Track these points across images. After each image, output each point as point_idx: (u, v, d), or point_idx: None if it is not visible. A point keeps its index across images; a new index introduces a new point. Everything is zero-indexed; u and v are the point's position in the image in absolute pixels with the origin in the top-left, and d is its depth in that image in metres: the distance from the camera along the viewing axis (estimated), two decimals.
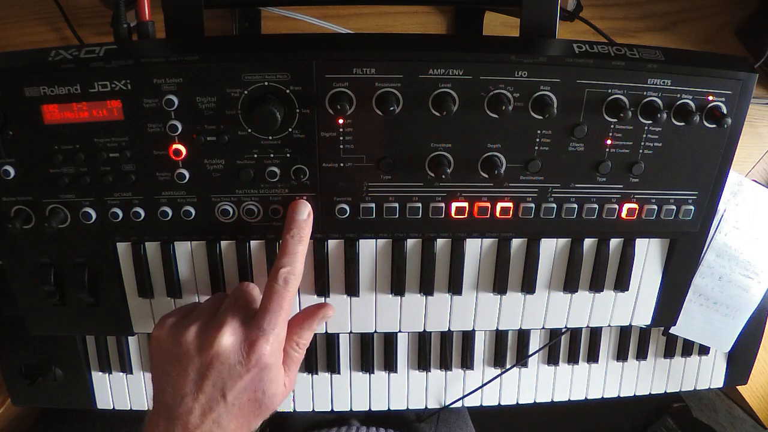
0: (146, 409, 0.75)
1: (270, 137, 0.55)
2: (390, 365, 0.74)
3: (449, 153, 0.57)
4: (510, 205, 0.60)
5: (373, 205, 0.59)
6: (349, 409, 0.76)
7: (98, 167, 0.55)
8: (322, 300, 0.65)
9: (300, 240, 0.54)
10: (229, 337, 0.50)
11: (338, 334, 0.72)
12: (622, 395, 0.82)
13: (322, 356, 0.74)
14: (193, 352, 0.50)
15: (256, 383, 0.51)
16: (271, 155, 0.56)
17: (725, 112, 0.56)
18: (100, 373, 0.73)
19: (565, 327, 0.70)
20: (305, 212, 0.56)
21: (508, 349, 0.76)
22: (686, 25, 0.78)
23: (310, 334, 0.57)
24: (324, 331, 0.67)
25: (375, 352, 0.74)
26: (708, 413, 1.19)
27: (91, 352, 0.73)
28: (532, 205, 0.60)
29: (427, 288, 0.65)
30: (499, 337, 0.76)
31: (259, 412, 0.52)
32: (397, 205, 0.59)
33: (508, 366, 0.76)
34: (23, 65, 0.52)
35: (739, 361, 0.83)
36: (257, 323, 0.51)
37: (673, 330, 0.78)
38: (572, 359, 0.78)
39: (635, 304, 0.68)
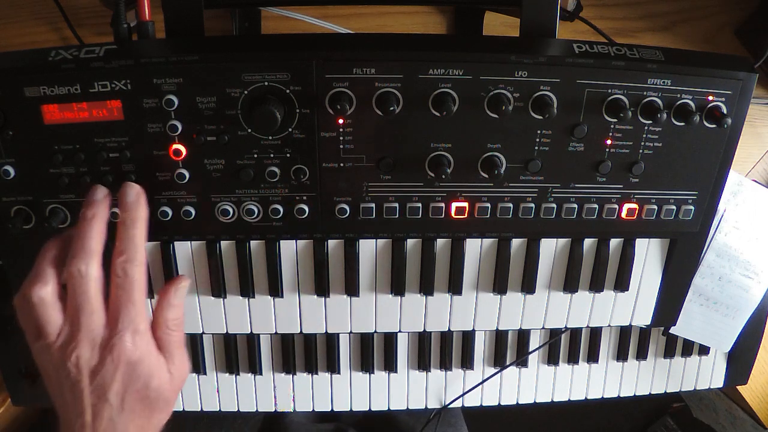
0: None
1: (270, 137, 0.55)
2: (390, 365, 0.74)
3: (449, 153, 0.57)
4: (510, 205, 0.60)
5: (373, 205, 0.59)
6: (349, 409, 0.76)
7: (98, 167, 0.55)
8: (321, 300, 0.65)
9: (132, 224, 0.50)
10: (86, 348, 0.47)
11: (338, 334, 0.72)
12: (622, 395, 0.82)
13: (322, 356, 0.74)
14: (62, 371, 0.48)
15: (133, 380, 0.48)
16: (271, 155, 0.56)
17: (725, 112, 0.56)
18: None
19: (565, 327, 0.70)
20: (133, 194, 0.51)
21: (508, 349, 0.76)
22: (686, 25, 0.78)
23: (177, 311, 0.53)
24: (324, 331, 0.67)
25: (375, 352, 0.74)
26: (708, 413, 1.19)
27: None
28: (532, 205, 0.60)
29: (427, 288, 0.65)
30: (499, 337, 0.76)
31: (153, 407, 0.50)
32: (397, 205, 0.59)
33: (508, 363, 0.76)
34: (23, 65, 0.52)
35: (739, 361, 0.83)
36: (111, 324, 0.48)
37: (673, 330, 0.78)
38: (572, 359, 0.78)
39: (635, 304, 0.69)
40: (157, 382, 0.50)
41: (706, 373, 0.83)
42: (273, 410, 0.75)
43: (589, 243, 0.65)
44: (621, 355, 0.79)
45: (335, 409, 0.76)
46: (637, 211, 0.61)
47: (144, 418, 0.50)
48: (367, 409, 0.76)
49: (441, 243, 0.64)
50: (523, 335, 0.76)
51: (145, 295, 0.50)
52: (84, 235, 0.49)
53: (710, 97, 0.56)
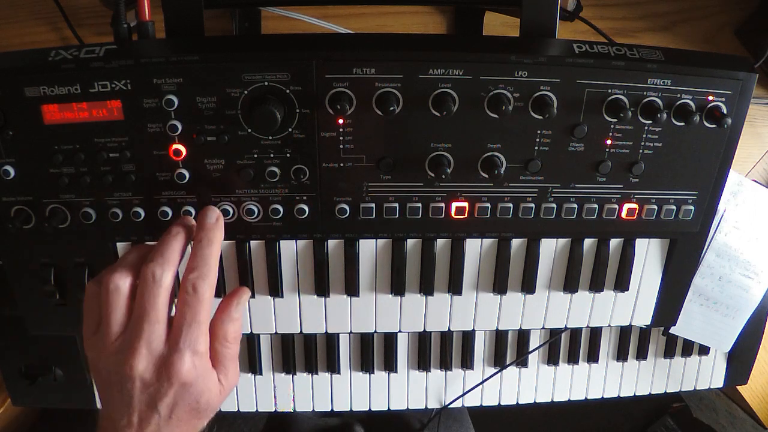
0: None
1: (270, 137, 0.55)
2: (390, 365, 0.74)
3: (449, 153, 0.57)
4: (510, 205, 0.60)
5: (373, 205, 0.59)
6: (349, 409, 0.76)
7: (98, 167, 0.55)
8: (321, 300, 0.65)
9: (209, 243, 0.50)
10: (143, 361, 0.47)
11: (338, 334, 0.72)
12: (622, 395, 0.82)
13: (322, 356, 0.74)
14: (114, 376, 0.48)
15: (185, 398, 0.48)
16: (271, 155, 0.56)
17: (725, 112, 0.56)
18: None
19: (565, 327, 0.70)
20: (213, 216, 0.52)
21: (508, 349, 0.76)
22: (686, 25, 0.78)
23: (237, 324, 0.52)
24: (324, 331, 0.67)
25: (375, 352, 0.74)
26: (708, 413, 1.19)
27: None
28: (532, 205, 0.60)
29: (427, 288, 0.65)
30: (499, 337, 0.76)
31: (200, 416, 0.50)
32: (397, 205, 0.59)
33: (508, 363, 0.76)
34: (23, 65, 0.52)
35: (739, 361, 0.83)
36: (172, 341, 0.48)
37: (673, 330, 0.78)
38: (572, 359, 0.78)
39: (635, 304, 0.69)
40: (207, 396, 0.49)
41: (706, 373, 0.83)
42: (273, 410, 0.75)
43: (589, 243, 0.65)
44: (621, 355, 0.79)
45: (335, 409, 0.76)
46: (637, 211, 0.61)
47: (189, 425, 0.50)
48: (367, 409, 0.76)
49: (441, 243, 0.64)
50: (523, 335, 0.76)
51: (210, 315, 0.49)
52: (166, 246, 0.49)
53: (710, 97, 0.56)
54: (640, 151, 0.58)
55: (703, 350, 0.82)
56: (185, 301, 0.48)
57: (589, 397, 0.81)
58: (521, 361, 0.77)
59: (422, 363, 0.75)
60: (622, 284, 0.67)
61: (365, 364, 0.74)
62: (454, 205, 0.60)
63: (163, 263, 0.48)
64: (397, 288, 0.65)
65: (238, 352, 0.52)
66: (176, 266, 0.49)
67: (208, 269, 0.49)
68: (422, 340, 0.75)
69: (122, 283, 0.48)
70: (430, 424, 0.84)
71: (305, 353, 0.73)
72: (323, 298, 0.65)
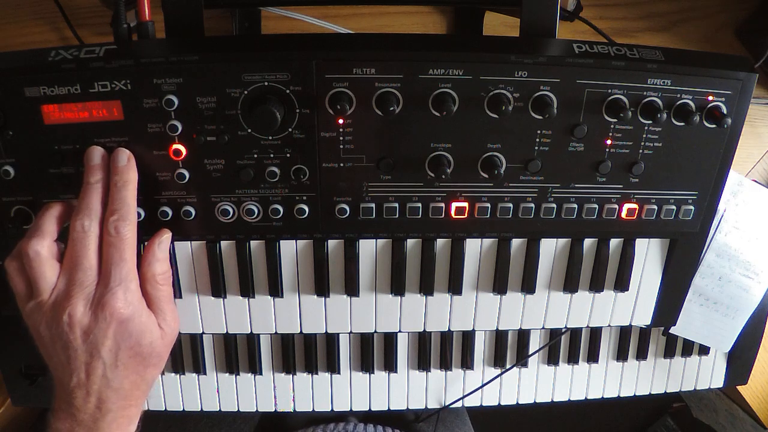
0: (145, 408, 0.75)
1: (270, 137, 0.55)
2: (390, 365, 0.74)
3: (449, 153, 0.57)
4: (510, 205, 0.60)
5: (373, 205, 0.59)
6: (349, 409, 0.76)
7: None
8: (321, 300, 0.65)
9: (124, 185, 0.52)
10: (79, 308, 0.49)
11: (338, 334, 0.72)
12: (622, 395, 0.82)
13: (322, 356, 0.74)
14: (55, 330, 0.49)
15: (125, 338, 0.50)
16: (271, 155, 0.56)
17: (725, 112, 0.56)
18: None
19: (565, 327, 0.70)
20: (124, 158, 0.53)
21: (508, 349, 0.76)
22: (686, 25, 0.78)
23: (163, 265, 0.54)
24: (324, 331, 0.67)
25: (375, 352, 0.74)
26: (708, 413, 1.19)
27: None
28: (532, 205, 0.60)
29: (427, 288, 0.65)
30: (499, 337, 0.76)
31: (146, 362, 0.52)
32: (397, 205, 0.59)
33: (508, 366, 0.76)
34: (23, 65, 0.52)
35: (739, 361, 0.83)
36: (103, 283, 0.50)
37: (673, 330, 0.78)
38: (572, 359, 0.78)
39: (635, 304, 0.69)
40: (149, 337, 0.51)
41: (706, 373, 0.83)
42: (273, 410, 0.75)
43: (589, 243, 0.65)
44: (621, 355, 0.79)
45: (335, 409, 0.76)
46: (637, 211, 0.61)
47: (137, 373, 0.51)
48: (367, 409, 0.76)
49: (441, 243, 0.64)
50: (523, 335, 0.76)
51: (135, 254, 0.51)
52: (88, 196, 0.51)
53: (710, 97, 0.56)
54: (640, 151, 0.58)
55: (703, 350, 0.82)
56: (109, 243, 0.50)
57: (589, 397, 0.81)
58: (521, 363, 0.77)
59: (422, 363, 0.75)
60: (622, 284, 0.67)
61: (365, 364, 0.74)
62: (454, 205, 0.60)
63: (89, 213, 0.50)
64: (397, 288, 0.65)
65: (171, 295, 0.54)
66: (101, 213, 0.51)
67: (127, 210, 0.51)
68: (422, 340, 0.75)
69: (40, 247, 0.50)
70: (428, 419, 0.84)
71: (305, 353, 0.73)
72: (323, 298, 0.65)
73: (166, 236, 0.56)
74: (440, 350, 0.75)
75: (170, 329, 0.54)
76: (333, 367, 0.74)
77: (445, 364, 0.75)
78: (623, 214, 0.61)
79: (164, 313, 0.54)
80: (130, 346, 0.50)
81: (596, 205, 0.60)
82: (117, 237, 0.50)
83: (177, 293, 0.63)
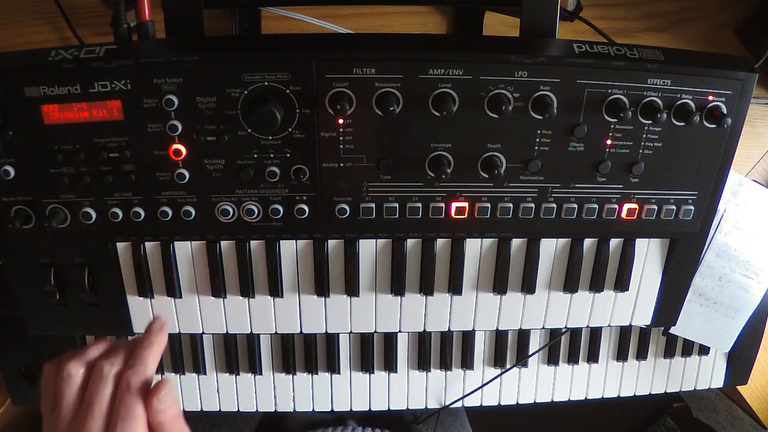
0: None
1: (270, 137, 0.55)
2: (390, 365, 0.74)
3: (449, 153, 0.57)
4: (510, 205, 0.60)
5: (373, 205, 0.59)
6: (349, 409, 0.76)
7: (98, 167, 0.55)
8: (321, 300, 0.65)
9: (149, 346, 0.53)
10: None
11: (338, 334, 0.72)
12: (622, 395, 0.82)
13: (322, 356, 0.74)
14: None
15: None
16: (271, 155, 0.56)
17: (725, 112, 0.56)
18: None
19: (565, 327, 0.70)
20: (158, 325, 0.55)
21: (508, 349, 0.76)
22: (686, 25, 0.78)
23: (167, 413, 0.52)
24: (324, 331, 0.67)
25: (375, 352, 0.74)
26: (708, 413, 1.19)
27: None
28: (532, 205, 0.60)
29: (427, 288, 0.65)
30: (499, 337, 0.76)
31: None
32: (397, 205, 0.59)
33: (508, 366, 0.76)
34: (23, 65, 0.52)
35: (739, 361, 0.83)
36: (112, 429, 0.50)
37: (673, 330, 0.78)
38: (572, 359, 0.78)
39: (635, 304, 0.68)
40: None
41: (706, 373, 0.83)
42: (273, 410, 0.75)
43: (589, 243, 0.65)
44: (621, 355, 0.79)
45: (335, 409, 0.76)
46: (637, 211, 0.61)
47: None
48: (367, 409, 0.76)
49: (441, 243, 0.64)
50: (523, 335, 0.76)
51: (144, 410, 0.51)
52: (121, 348, 0.53)
53: (710, 97, 0.56)
54: (640, 151, 0.58)
55: (703, 350, 0.82)
56: (120, 398, 0.50)
57: (589, 397, 0.81)
58: (521, 363, 0.77)
59: (422, 363, 0.75)
60: (622, 284, 0.67)
61: (365, 364, 0.74)
62: (454, 205, 0.60)
63: (114, 362, 0.51)
64: (397, 288, 0.65)
65: (181, 423, 0.54)
66: (150, 378, 0.53)
67: (144, 368, 0.52)
68: (422, 340, 0.75)
69: (75, 372, 0.51)
70: (426, 420, 0.84)
71: (305, 353, 0.73)
72: (323, 298, 0.65)
73: (166, 389, 0.53)
74: (440, 350, 0.75)
75: None
76: (333, 367, 0.74)
77: (445, 364, 0.75)
78: (623, 214, 0.61)
79: None
80: None
81: (596, 205, 0.60)
82: (128, 392, 0.50)
83: (177, 293, 0.63)
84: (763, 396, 0.91)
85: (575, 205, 0.60)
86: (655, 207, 0.61)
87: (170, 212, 0.58)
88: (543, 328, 0.69)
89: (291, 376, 0.74)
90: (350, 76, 0.53)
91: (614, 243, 0.65)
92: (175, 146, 0.55)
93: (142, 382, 0.51)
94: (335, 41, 0.58)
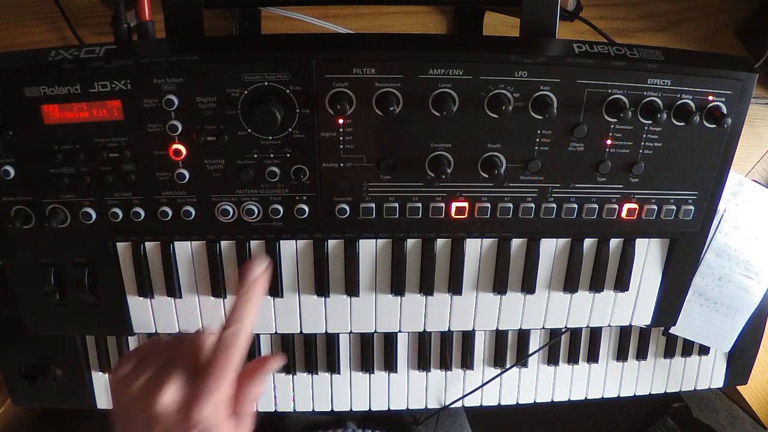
0: None
1: (270, 137, 0.55)
2: (390, 365, 0.74)
3: (449, 153, 0.57)
4: (510, 205, 0.60)
5: (373, 205, 0.59)
6: (349, 409, 0.76)
7: (98, 167, 0.55)
8: (321, 300, 0.65)
9: (248, 301, 0.53)
10: (170, 396, 0.49)
11: (338, 334, 0.72)
12: (622, 395, 0.82)
13: (322, 356, 0.74)
14: (137, 409, 0.49)
15: None
16: (271, 155, 0.56)
17: (725, 112, 0.56)
18: (100, 373, 0.73)
19: (565, 327, 0.70)
20: (257, 271, 0.53)
21: (508, 349, 0.76)
22: (686, 25, 0.78)
23: (259, 389, 0.55)
24: (324, 331, 0.67)
25: (375, 352, 0.74)
26: (708, 413, 1.19)
27: (91, 352, 0.73)
28: (532, 205, 0.60)
29: (427, 288, 0.65)
30: (499, 337, 0.76)
31: None
32: (397, 205, 0.59)
33: (508, 366, 0.76)
34: (23, 65, 0.52)
35: (739, 361, 0.83)
36: (201, 384, 0.50)
37: (673, 330, 0.78)
38: (572, 359, 0.78)
39: (635, 304, 0.68)
40: None
41: (706, 373, 0.83)
42: (273, 410, 0.75)
43: (589, 243, 0.65)
44: (621, 355, 0.79)
45: (335, 409, 0.76)
46: (637, 211, 0.61)
47: None
48: (367, 409, 0.76)
49: (441, 243, 0.64)
50: (523, 335, 0.76)
51: (237, 366, 0.52)
52: (240, 313, 0.52)
53: (710, 97, 0.56)
54: (640, 151, 0.58)
55: (703, 350, 0.82)
56: (219, 353, 0.50)
57: (589, 397, 0.81)
58: (521, 363, 0.77)
59: (422, 363, 0.75)
60: (622, 284, 0.67)
61: (365, 364, 0.74)
62: (454, 205, 0.60)
63: (241, 333, 0.51)
64: (397, 288, 0.65)
65: (253, 411, 0.54)
66: (248, 333, 0.52)
67: (246, 323, 0.51)
68: (422, 340, 0.75)
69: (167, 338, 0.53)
70: (426, 421, 0.84)
71: (305, 353, 0.73)
72: (323, 298, 0.65)
73: (275, 366, 0.55)
74: (440, 350, 0.75)
75: None
76: (333, 367, 0.74)
77: (445, 364, 0.75)
78: (623, 214, 0.61)
79: (243, 422, 0.53)
80: None
81: (596, 205, 0.60)
82: (227, 350, 0.50)
83: (177, 293, 0.63)
84: (763, 396, 0.91)
85: (575, 205, 0.60)
86: (655, 207, 0.61)
87: (170, 212, 0.58)
88: (543, 328, 0.69)
89: (291, 376, 0.74)
90: (350, 76, 0.53)
91: (614, 243, 0.65)
92: (175, 146, 0.55)
93: (242, 342, 0.51)
94: (335, 41, 0.58)
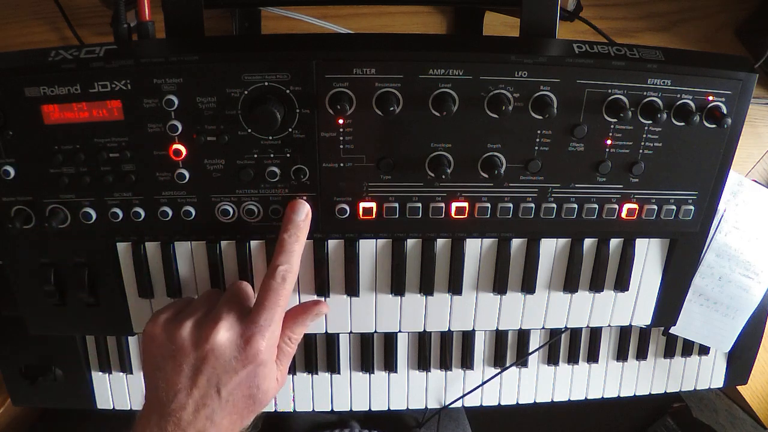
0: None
1: (270, 137, 0.55)
2: (390, 365, 0.74)
3: (449, 153, 0.57)
4: (510, 205, 0.60)
5: (374, 205, 0.59)
6: (349, 409, 0.76)
7: (98, 167, 0.55)
8: (321, 300, 0.65)
9: (297, 239, 0.54)
10: (225, 332, 0.50)
11: (338, 334, 0.72)
12: (622, 395, 0.82)
13: (322, 356, 0.74)
14: (188, 347, 0.50)
15: (251, 379, 0.51)
16: (271, 155, 0.56)
17: (725, 112, 0.56)
18: (100, 373, 0.73)
19: (565, 327, 0.70)
20: (303, 212, 0.56)
21: (508, 349, 0.76)
22: (686, 25, 0.78)
23: (303, 330, 0.57)
24: (324, 331, 0.67)
25: (375, 352, 0.74)
26: (708, 413, 1.19)
27: (91, 352, 0.73)
28: (532, 205, 0.60)
29: (427, 288, 0.65)
30: (499, 337, 0.76)
31: (252, 408, 0.52)
32: (397, 205, 0.59)
33: (508, 364, 0.76)
34: (23, 65, 0.52)
35: (739, 361, 0.83)
36: (254, 319, 0.51)
37: (673, 330, 0.78)
38: (572, 359, 0.78)
39: (635, 304, 0.68)
40: (267, 385, 0.52)
41: (706, 373, 0.83)
42: (273, 410, 0.75)
43: (589, 243, 0.65)
44: (621, 355, 0.79)
45: (335, 409, 0.76)
46: (637, 211, 0.61)
47: (240, 415, 0.51)
48: (367, 409, 0.76)
49: (441, 243, 0.64)
50: (523, 335, 0.76)
51: (287, 304, 0.54)
52: (289, 249, 0.54)
53: (710, 97, 0.56)
54: (640, 151, 0.58)
55: (703, 350, 0.82)
56: (272, 287, 0.52)
57: (589, 397, 0.81)
58: (521, 362, 0.77)
59: (422, 363, 0.75)
60: (622, 284, 0.67)
61: (365, 364, 0.74)
62: (454, 205, 0.60)
63: (292, 269, 0.53)
64: (397, 288, 0.65)
65: (293, 355, 0.56)
66: (297, 272, 0.55)
67: (294, 263, 0.54)
68: (422, 340, 0.75)
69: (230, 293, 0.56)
70: (427, 423, 0.84)
71: (305, 353, 0.73)
72: (323, 298, 0.65)
73: (325, 310, 0.58)
74: (440, 350, 0.75)
75: (281, 384, 0.55)
76: (333, 367, 0.74)
77: (445, 364, 0.75)
78: (623, 214, 0.61)
79: (283, 369, 0.55)
80: (249, 387, 0.51)
81: (596, 205, 0.60)
82: (281, 285, 0.52)
83: (177, 293, 0.63)
84: (763, 396, 0.91)
85: (575, 205, 0.60)
86: (655, 207, 0.61)
87: (170, 212, 0.58)
88: (543, 328, 0.69)
89: (291, 376, 0.74)
90: (350, 76, 0.53)
91: (614, 243, 0.65)
92: (175, 146, 0.55)
93: (293, 278, 0.53)
94: (335, 41, 0.58)
